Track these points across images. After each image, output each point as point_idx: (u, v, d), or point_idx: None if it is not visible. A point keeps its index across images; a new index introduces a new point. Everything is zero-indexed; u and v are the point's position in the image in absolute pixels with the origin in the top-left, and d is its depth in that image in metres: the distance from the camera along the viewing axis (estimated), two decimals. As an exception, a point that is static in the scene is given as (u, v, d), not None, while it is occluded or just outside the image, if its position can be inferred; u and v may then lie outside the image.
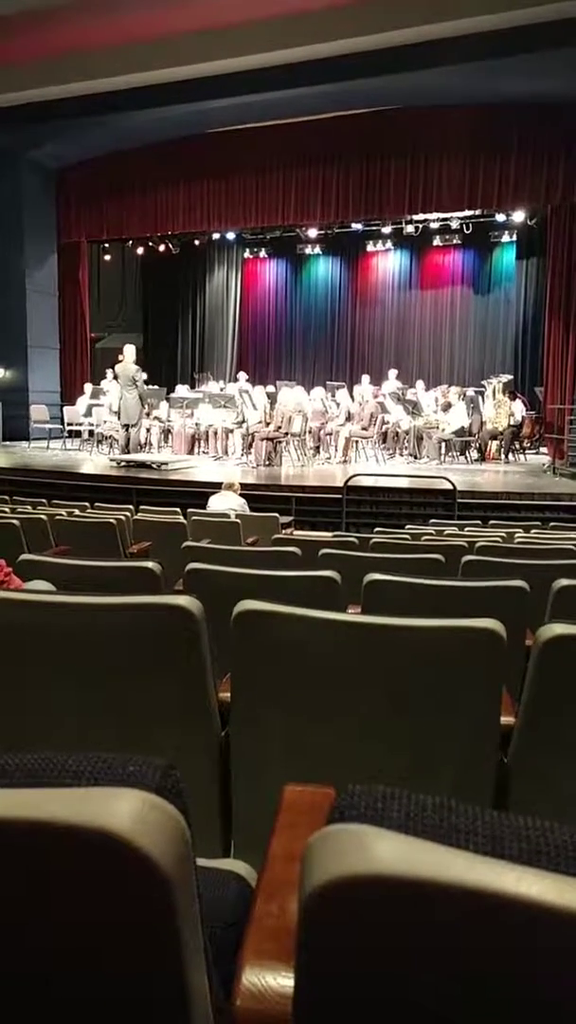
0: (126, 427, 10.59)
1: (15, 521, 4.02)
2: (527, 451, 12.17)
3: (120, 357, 10.73)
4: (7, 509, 5.21)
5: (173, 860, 0.47)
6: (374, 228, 15.19)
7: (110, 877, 0.47)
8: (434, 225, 14.63)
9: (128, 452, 10.49)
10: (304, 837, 0.45)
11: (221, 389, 12.83)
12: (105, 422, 11.62)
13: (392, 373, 13.30)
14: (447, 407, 11.31)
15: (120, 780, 0.49)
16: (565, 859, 0.41)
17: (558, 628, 1.37)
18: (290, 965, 0.56)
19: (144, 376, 10.51)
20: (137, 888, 0.47)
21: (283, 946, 0.61)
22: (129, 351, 10.58)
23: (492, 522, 6.21)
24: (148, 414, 11.75)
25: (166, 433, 12.16)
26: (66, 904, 0.49)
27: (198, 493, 7.48)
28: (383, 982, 0.44)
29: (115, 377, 11.17)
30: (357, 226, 14.90)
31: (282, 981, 0.58)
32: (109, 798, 0.47)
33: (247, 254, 17.19)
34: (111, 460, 10.43)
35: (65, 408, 13.36)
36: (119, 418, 10.66)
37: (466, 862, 0.40)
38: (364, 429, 10.92)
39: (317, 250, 16.40)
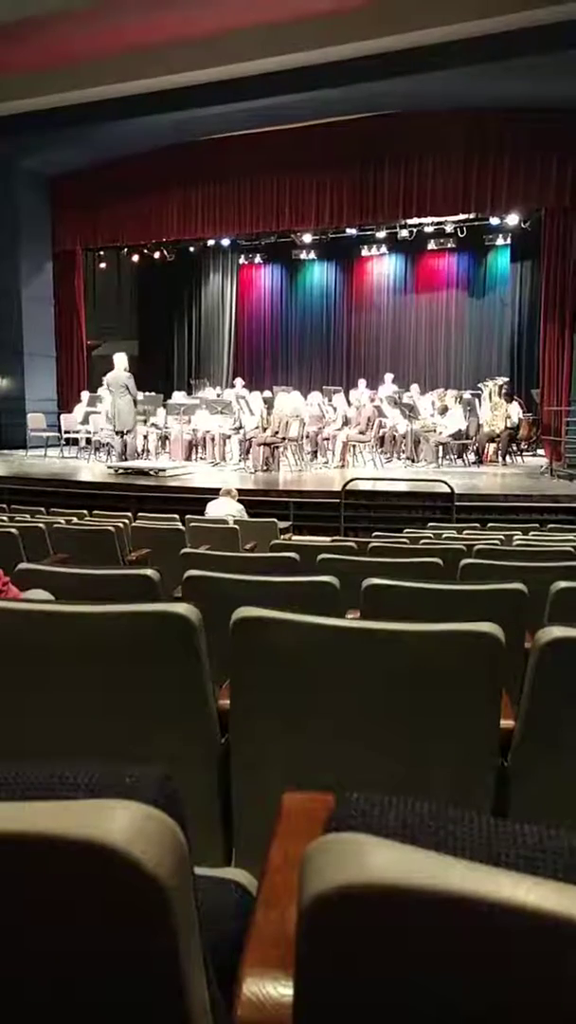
0: (120, 434, 10.58)
1: (13, 530, 4.02)
2: (524, 453, 12.18)
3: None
4: (5, 518, 5.21)
5: (170, 871, 0.47)
6: (369, 233, 15.23)
7: (107, 890, 0.47)
8: (428, 229, 14.66)
9: (125, 459, 10.48)
10: (303, 845, 0.45)
11: (218, 395, 12.84)
12: (102, 429, 11.62)
13: (388, 377, 13.32)
14: (444, 410, 11.33)
15: (118, 791, 0.49)
16: (563, 866, 0.41)
17: (557, 631, 1.37)
18: (290, 974, 0.56)
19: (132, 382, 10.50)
20: (134, 900, 0.47)
21: (284, 955, 0.61)
22: (119, 359, 10.56)
23: (490, 524, 6.21)
24: (145, 421, 11.75)
25: (163, 440, 12.16)
26: (63, 918, 0.49)
27: (196, 499, 7.47)
28: (382, 990, 0.44)
29: (108, 386, 11.18)
30: (352, 231, 14.93)
31: (282, 990, 0.58)
32: (105, 810, 0.47)
33: (242, 260, 17.23)
34: (109, 467, 10.43)
35: (62, 416, 13.37)
36: (114, 425, 10.67)
37: (463, 870, 0.40)
38: (361, 433, 10.94)
39: (312, 255, 16.42)
